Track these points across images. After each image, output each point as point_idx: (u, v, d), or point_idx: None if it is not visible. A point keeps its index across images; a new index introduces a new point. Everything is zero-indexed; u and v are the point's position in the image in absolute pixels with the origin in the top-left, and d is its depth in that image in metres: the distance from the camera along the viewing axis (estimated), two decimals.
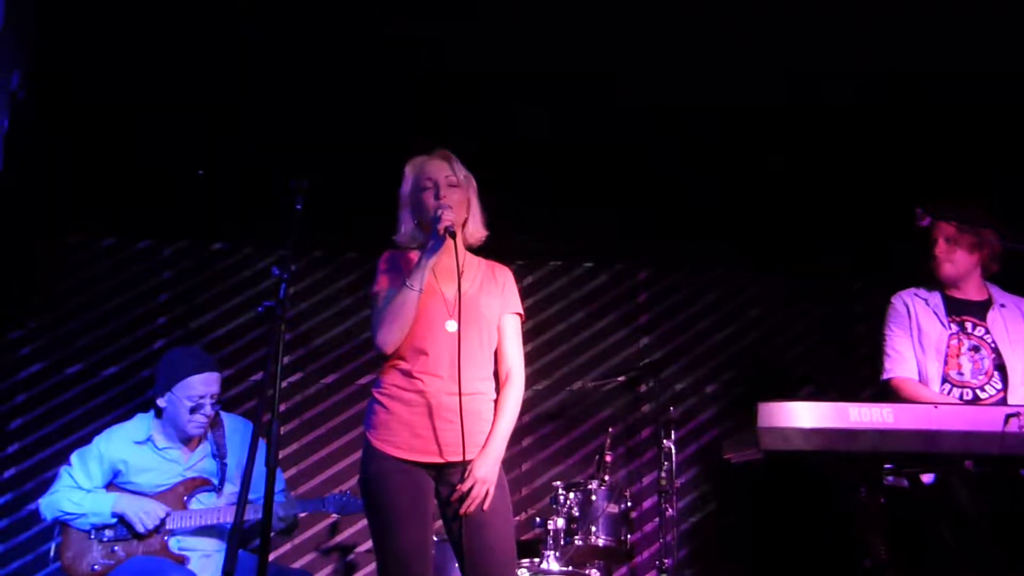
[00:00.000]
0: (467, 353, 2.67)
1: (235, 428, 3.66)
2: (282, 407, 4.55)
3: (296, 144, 4.29)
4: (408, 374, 2.69)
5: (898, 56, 3.89)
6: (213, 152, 4.43)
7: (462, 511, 2.62)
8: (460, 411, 2.61)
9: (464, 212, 2.80)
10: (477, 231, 2.85)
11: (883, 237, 4.41)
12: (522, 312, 2.88)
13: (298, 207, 2.54)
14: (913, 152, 4.34)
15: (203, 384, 3.48)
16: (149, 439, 3.51)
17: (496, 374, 2.81)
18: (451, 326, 2.69)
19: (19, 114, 3.60)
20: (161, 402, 3.53)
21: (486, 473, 2.65)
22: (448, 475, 2.68)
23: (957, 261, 3.36)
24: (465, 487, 2.62)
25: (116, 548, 3.37)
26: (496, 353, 2.81)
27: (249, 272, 4.83)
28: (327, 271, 4.87)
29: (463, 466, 2.65)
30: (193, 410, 3.46)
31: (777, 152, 4.50)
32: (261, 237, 4.79)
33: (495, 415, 2.75)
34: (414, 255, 2.79)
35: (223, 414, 3.69)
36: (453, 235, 2.66)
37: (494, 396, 2.78)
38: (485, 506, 2.63)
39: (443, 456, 2.65)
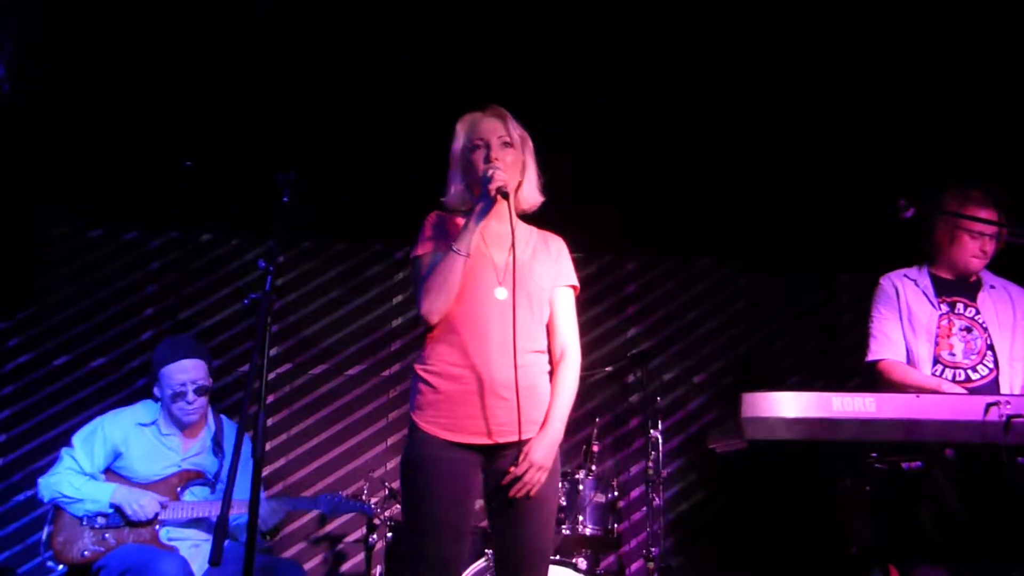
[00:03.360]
0: (519, 323, 2.46)
1: (235, 435, 3.66)
2: (270, 398, 4.60)
3: (285, 137, 4.30)
4: (456, 347, 2.48)
5: (881, 59, 3.92)
6: (201, 143, 4.43)
7: (511, 494, 2.43)
8: (516, 386, 2.43)
9: (518, 175, 2.61)
10: (532, 196, 2.65)
11: (870, 230, 4.44)
12: (577, 284, 2.70)
13: (285, 199, 2.51)
14: (906, 148, 4.38)
15: (180, 372, 3.49)
16: (154, 423, 3.54)
17: (549, 351, 2.62)
18: (501, 293, 2.51)
19: (3, 106, 3.58)
20: (156, 391, 3.57)
21: (543, 457, 2.45)
22: (499, 457, 2.48)
23: (989, 253, 3.30)
24: (520, 470, 2.43)
25: (107, 535, 3.38)
26: (548, 328, 2.62)
27: (237, 263, 4.84)
28: (316, 262, 4.88)
29: (517, 447, 2.46)
30: (175, 397, 3.48)
31: (768, 147, 4.52)
32: (249, 228, 4.80)
33: (552, 395, 2.56)
34: (462, 219, 2.59)
35: (226, 420, 3.71)
36: (506, 196, 2.48)
37: (548, 369, 2.59)
38: (533, 492, 2.44)
39: (496, 437, 2.46)
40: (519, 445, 2.47)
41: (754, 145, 4.51)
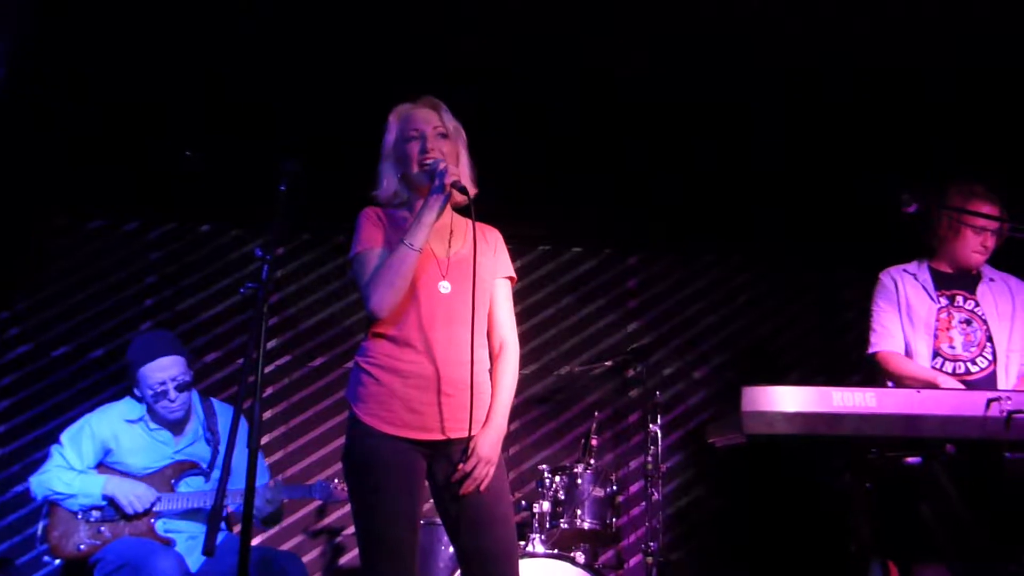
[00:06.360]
0: (464, 317, 2.46)
1: (228, 418, 3.65)
2: (269, 390, 4.59)
3: (285, 127, 4.28)
4: (400, 342, 2.46)
5: (881, 54, 3.90)
6: (201, 134, 4.41)
7: (462, 491, 2.43)
8: (471, 382, 2.42)
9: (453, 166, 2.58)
10: (466, 188, 2.59)
11: (871, 227, 4.43)
12: (514, 276, 2.69)
13: (282, 188, 2.45)
14: (904, 143, 4.36)
15: (159, 371, 3.44)
16: (142, 419, 3.52)
17: (488, 343, 2.61)
18: (444, 287, 2.50)
19: (2, 95, 3.57)
20: (137, 391, 3.53)
21: (490, 452, 2.45)
22: (445, 453, 2.47)
23: (990, 248, 3.30)
24: (468, 467, 2.42)
25: (102, 528, 3.37)
26: (488, 320, 2.60)
27: (236, 254, 4.83)
28: (315, 254, 4.87)
29: (463, 443, 2.44)
30: (156, 397, 3.45)
31: (768, 141, 4.51)
32: (249, 219, 4.78)
33: (494, 389, 2.55)
34: (396, 213, 2.59)
35: (217, 403, 3.68)
36: (463, 190, 2.46)
37: (489, 365, 2.59)
38: (483, 487, 2.44)
39: (443, 433, 2.44)
40: (462, 442, 2.45)
41: (755, 141, 4.51)
